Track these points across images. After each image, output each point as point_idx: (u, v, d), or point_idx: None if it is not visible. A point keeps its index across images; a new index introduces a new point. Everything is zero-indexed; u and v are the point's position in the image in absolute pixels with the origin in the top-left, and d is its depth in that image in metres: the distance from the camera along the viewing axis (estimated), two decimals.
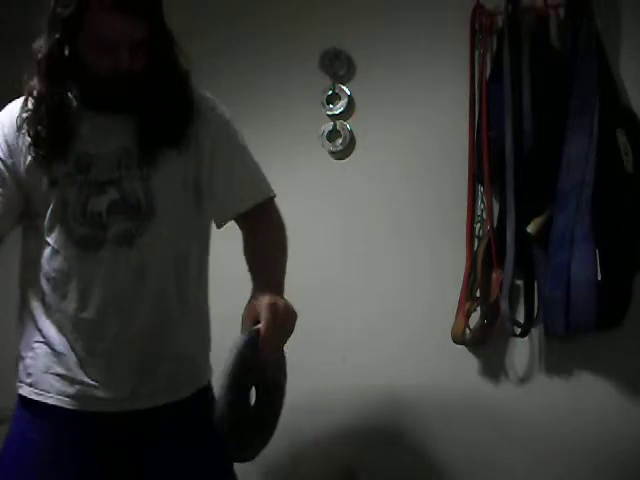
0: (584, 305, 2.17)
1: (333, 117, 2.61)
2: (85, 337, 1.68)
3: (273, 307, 1.54)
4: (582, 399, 2.33)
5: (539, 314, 2.31)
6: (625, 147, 2.21)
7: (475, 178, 2.40)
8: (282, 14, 2.69)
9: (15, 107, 1.72)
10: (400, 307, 2.53)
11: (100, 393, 1.67)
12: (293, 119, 2.67)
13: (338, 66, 2.61)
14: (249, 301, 1.63)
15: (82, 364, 1.68)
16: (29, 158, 1.67)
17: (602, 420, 2.30)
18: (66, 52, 1.61)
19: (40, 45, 1.63)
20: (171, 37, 1.69)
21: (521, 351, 2.40)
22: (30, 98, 1.67)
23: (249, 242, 1.77)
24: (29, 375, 1.71)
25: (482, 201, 2.40)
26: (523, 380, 2.40)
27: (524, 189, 2.28)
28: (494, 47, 2.39)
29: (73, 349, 1.68)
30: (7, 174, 1.69)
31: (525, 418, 2.39)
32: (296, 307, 1.60)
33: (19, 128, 1.68)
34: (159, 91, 1.67)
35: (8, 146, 1.69)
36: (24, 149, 1.68)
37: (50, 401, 1.68)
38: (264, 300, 1.55)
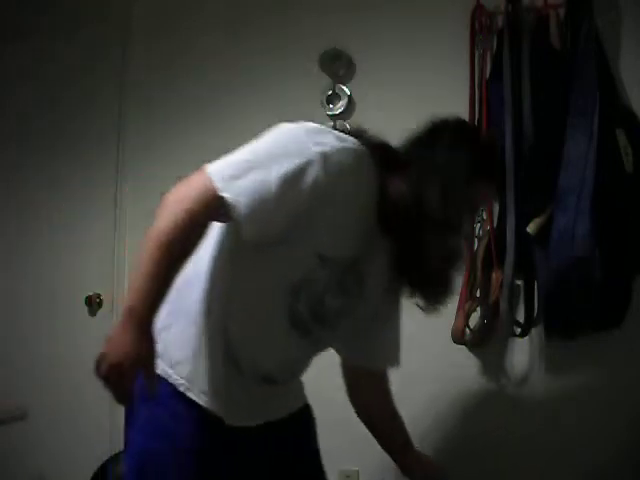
0: (584, 305, 2.17)
1: (333, 117, 2.61)
2: (249, 381, 1.72)
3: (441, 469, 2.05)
4: (582, 399, 2.33)
5: (539, 314, 2.31)
6: (625, 147, 2.20)
7: None
8: (282, 14, 2.69)
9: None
10: None
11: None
12: (293, 119, 2.66)
13: (338, 66, 2.61)
14: (410, 455, 2.05)
15: (232, 395, 1.71)
16: (331, 233, 1.62)
17: (602, 420, 2.30)
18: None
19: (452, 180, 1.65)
20: None
21: (521, 351, 2.40)
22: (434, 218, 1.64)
23: (380, 401, 2.06)
24: (184, 375, 1.69)
25: None
26: (523, 380, 2.40)
27: (524, 189, 2.28)
28: (494, 47, 2.40)
29: (229, 378, 1.70)
30: (302, 218, 1.58)
31: (525, 418, 2.39)
32: None
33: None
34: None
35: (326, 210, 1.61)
36: (338, 225, 1.62)
37: (200, 401, 1.68)
38: (429, 461, 2.08)
